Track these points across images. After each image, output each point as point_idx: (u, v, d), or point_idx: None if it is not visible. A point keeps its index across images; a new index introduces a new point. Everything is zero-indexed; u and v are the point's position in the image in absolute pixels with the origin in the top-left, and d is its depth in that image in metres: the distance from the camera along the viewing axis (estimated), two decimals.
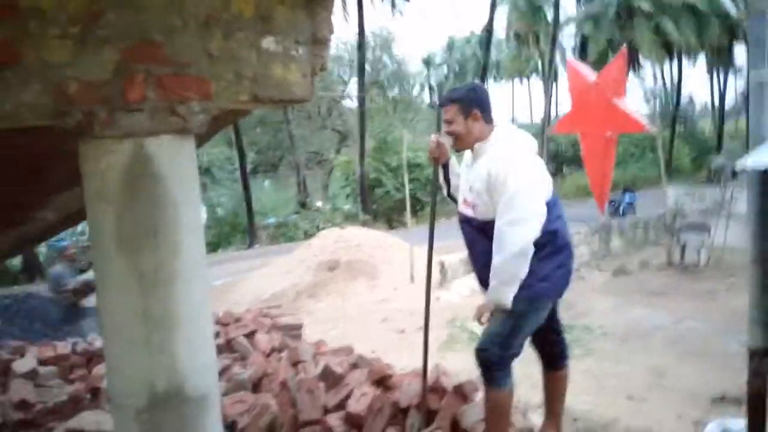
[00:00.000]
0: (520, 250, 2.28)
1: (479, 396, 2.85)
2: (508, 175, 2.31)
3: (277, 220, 24.19)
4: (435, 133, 2.70)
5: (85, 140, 1.49)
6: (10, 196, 2.32)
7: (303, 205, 25.27)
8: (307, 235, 19.32)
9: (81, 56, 1.42)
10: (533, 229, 2.31)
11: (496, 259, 2.32)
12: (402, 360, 4.63)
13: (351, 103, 31.02)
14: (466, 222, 2.57)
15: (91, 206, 1.53)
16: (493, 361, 2.41)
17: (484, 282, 2.51)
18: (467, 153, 2.64)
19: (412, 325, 7.31)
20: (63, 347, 4.57)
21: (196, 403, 1.60)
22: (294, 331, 4.59)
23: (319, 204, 26.26)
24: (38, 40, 1.37)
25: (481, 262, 2.50)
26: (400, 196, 20.64)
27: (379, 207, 23.56)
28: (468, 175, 2.56)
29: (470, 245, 2.61)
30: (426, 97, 37.82)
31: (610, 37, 26.80)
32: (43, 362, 4.30)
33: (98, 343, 4.62)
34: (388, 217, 22.63)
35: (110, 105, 1.45)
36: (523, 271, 2.31)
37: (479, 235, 2.49)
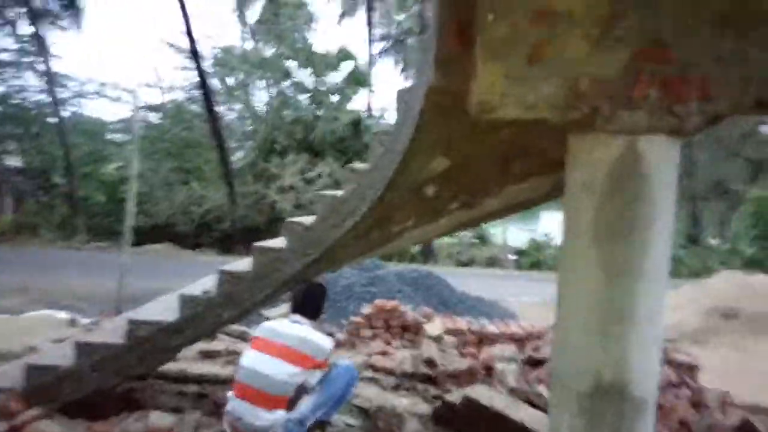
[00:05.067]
0: None
1: None
2: None
3: None
4: None
5: (581, 134, 1.61)
6: (473, 181, 2.72)
7: (694, 240, 22.53)
8: (692, 274, 17.22)
9: (595, 55, 1.53)
10: None
11: None
12: None
13: None
14: None
15: (573, 196, 1.65)
16: None
17: None
18: None
19: None
20: (460, 323, 5.17)
21: (637, 403, 1.58)
22: (689, 371, 4.13)
23: (713, 242, 23.05)
24: (563, 39, 1.54)
25: None
26: None
27: None
28: None
29: None
30: None
31: None
32: (444, 332, 4.95)
33: (490, 327, 5.08)
34: None
35: (614, 101, 1.53)
36: None
37: None
